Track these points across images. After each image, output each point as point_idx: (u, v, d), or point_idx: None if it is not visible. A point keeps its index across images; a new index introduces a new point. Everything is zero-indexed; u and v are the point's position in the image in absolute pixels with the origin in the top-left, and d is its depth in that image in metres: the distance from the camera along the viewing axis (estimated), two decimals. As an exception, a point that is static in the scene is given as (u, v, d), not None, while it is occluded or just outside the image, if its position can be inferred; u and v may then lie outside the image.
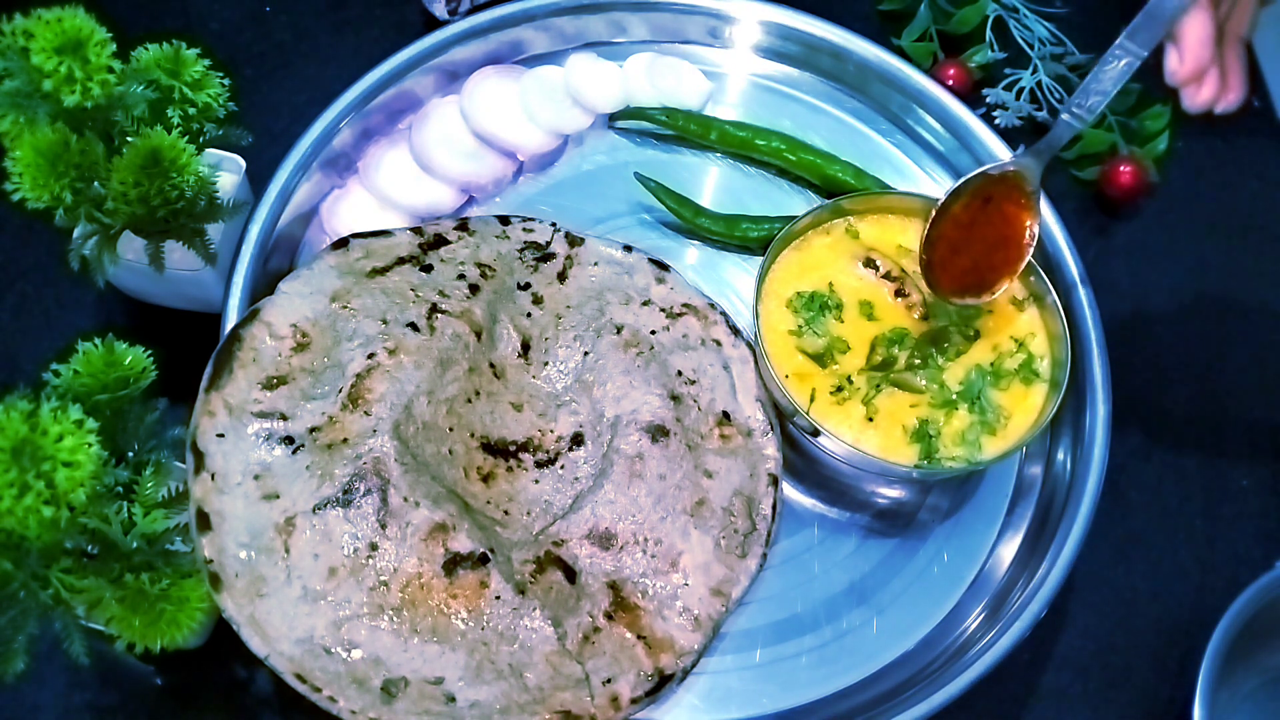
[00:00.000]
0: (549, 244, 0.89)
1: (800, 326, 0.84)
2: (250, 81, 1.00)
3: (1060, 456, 0.86)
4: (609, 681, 0.72)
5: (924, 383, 0.82)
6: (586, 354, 0.83)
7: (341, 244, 0.83)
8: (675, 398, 0.81)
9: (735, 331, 0.87)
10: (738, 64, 1.02)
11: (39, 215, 0.69)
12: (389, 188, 0.91)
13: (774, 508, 0.81)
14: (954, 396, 0.82)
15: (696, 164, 0.97)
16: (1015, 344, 0.84)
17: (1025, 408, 0.82)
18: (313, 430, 0.73)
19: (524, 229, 0.90)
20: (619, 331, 0.84)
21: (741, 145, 0.96)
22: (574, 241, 0.90)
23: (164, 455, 0.69)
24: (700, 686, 0.77)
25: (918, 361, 0.83)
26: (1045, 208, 0.89)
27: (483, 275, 0.84)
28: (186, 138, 0.71)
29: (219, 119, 0.75)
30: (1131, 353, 0.93)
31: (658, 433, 0.79)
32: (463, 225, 0.88)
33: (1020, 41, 1.07)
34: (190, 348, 0.77)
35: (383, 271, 0.82)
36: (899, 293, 0.85)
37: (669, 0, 1.00)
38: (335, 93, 0.91)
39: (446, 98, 0.96)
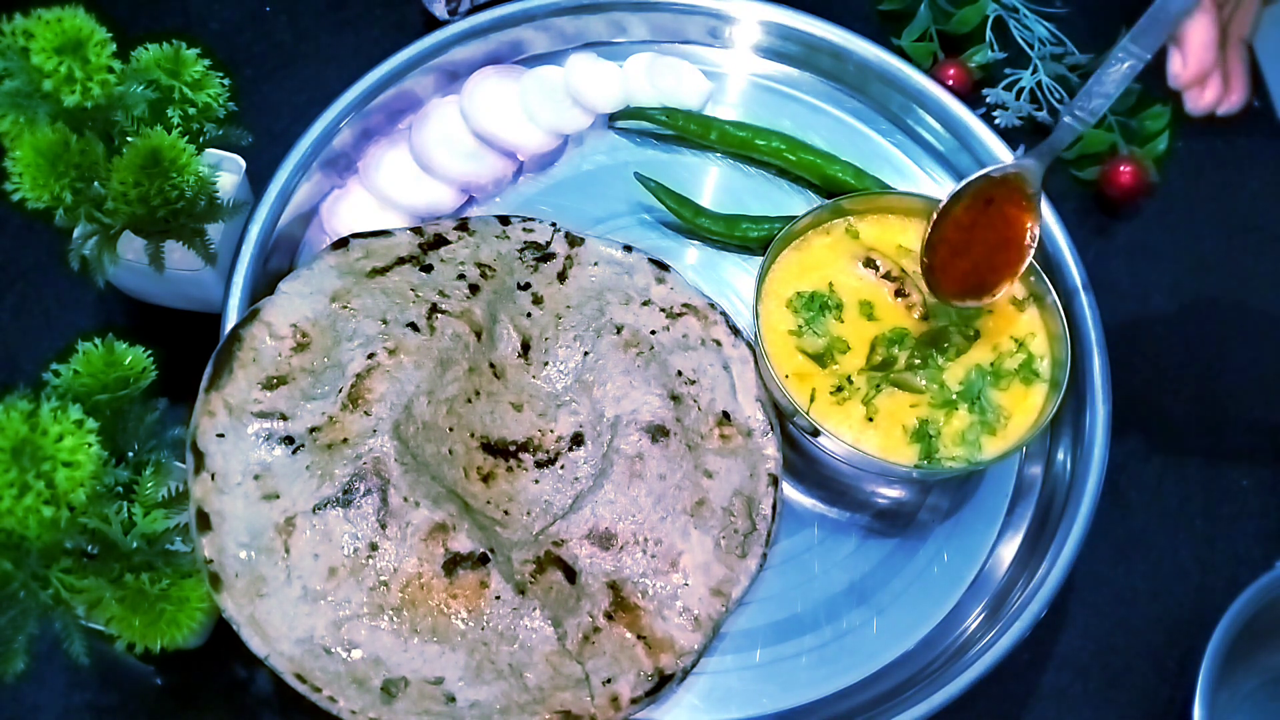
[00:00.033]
0: (549, 244, 0.89)
1: (800, 326, 0.84)
2: (250, 81, 1.00)
3: (1060, 456, 0.86)
4: (609, 681, 0.72)
5: (924, 383, 0.82)
6: (586, 354, 0.83)
7: (341, 244, 0.83)
8: (675, 398, 0.81)
9: (735, 331, 0.87)
10: (738, 64, 1.02)
11: (39, 215, 0.69)
12: (389, 188, 0.91)
13: (774, 508, 0.81)
14: (954, 396, 0.82)
15: (696, 164, 0.97)
16: (1015, 344, 0.84)
17: (1025, 408, 0.82)
18: (313, 430, 0.73)
19: (524, 229, 0.90)
20: (619, 331, 0.84)
21: (741, 145, 0.96)
22: (574, 241, 0.90)
23: (164, 455, 0.69)
24: (700, 686, 0.77)
25: (918, 361, 0.83)
26: (1046, 209, 0.89)
27: (483, 275, 0.84)
28: (186, 138, 0.71)
29: (219, 119, 0.75)
30: (1131, 353, 0.93)
31: (658, 433, 0.79)
32: (463, 225, 0.88)
33: (1020, 41, 1.07)
34: (190, 348, 0.77)
35: (383, 271, 0.82)
36: (899, 293, 0.85)
37: (669, 0, 1.00)
38: (335, 93, 0.91)
39: (446, 98, 0.96)
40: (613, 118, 0.98)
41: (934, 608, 0.82)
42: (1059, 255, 0.90)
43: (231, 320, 0.81)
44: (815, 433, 0.79)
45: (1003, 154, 0.95)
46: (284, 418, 0.74)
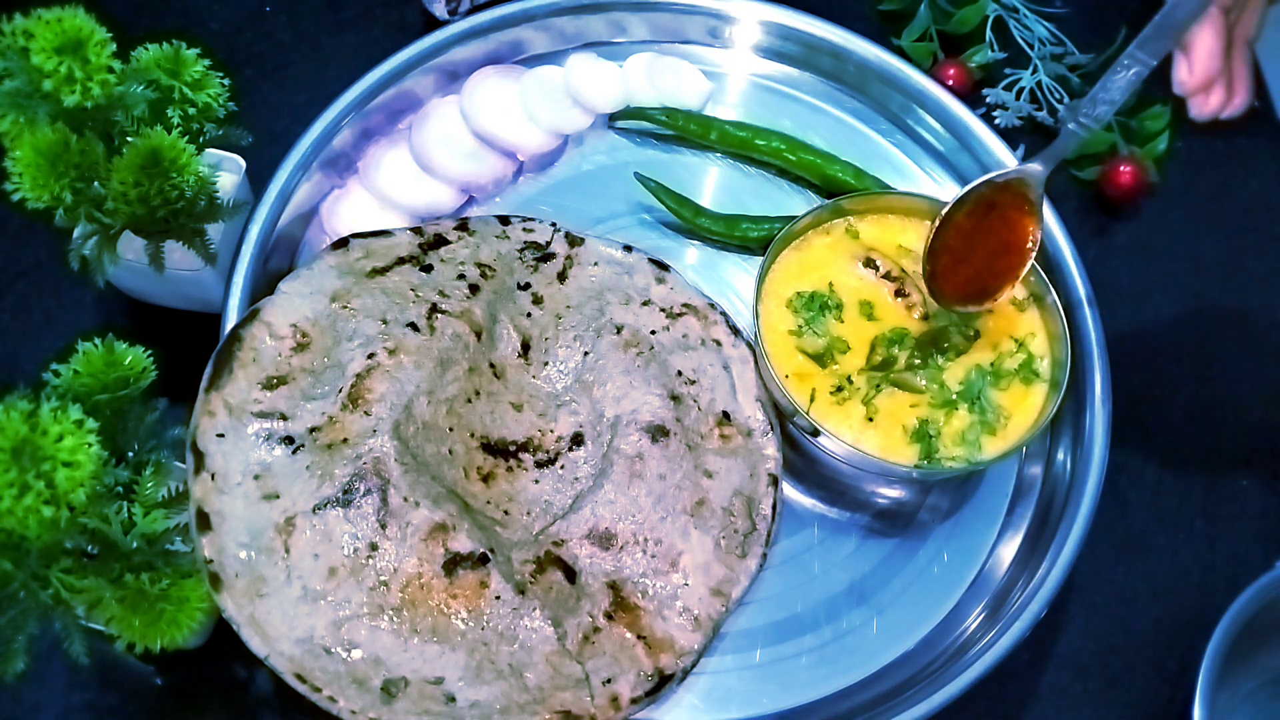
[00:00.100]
0: (549, 244, 0.89)
1: (800, 326, 0.84)
2: (250, 81, 1.00)
3: (1060, 456, 0.86)
4: (609, 681, 0.72)
5: (924, 383, 0.82)
6: (586, 354, 0.83)
7: (341, 244, 0.83)
8: (675, 398, 0.81)
9: (735, 331, 0.87)
10: (738, 64, 1.02)
11: (39, 215, 0.69)
12: (389, 188, 0.91)
13: (774, 508, 0.81)
14: (954, 396, 0.82)
15: (696, 164, 0.97)
16: (1015, 344, 0.84)
17: (1025, 408, 0.82)
18: (313, 430, 0.73)
19: (524, 229, 0.90)
20: (619, 331, 0.84)
21: (741, 145, 0.96)
22: (574, 241, 0.90)
23: (164, 455, 0.69)
24: (700, 686, 0.77)
25: (918, 361, 0.83)
26: (1048, 212, 0.89)
27: (483, 275, 0.84)
28: (186, 138, 0.71)
29: (219, 119, 0.75)
30: (1131, 352, 0.93)
31: (658, 433, 0.79)
32: (463, 225, 0.88)
33: (1020, 41, 1.07)
34: (190, 348, 0.77)
35: (383, 271, 0.82)
36: (899, 293, 0.85)
37: (669, 0, 1.00)
38: (335, 93, 0.91)
39: (446, 98, 0.96)
40: (613, 118, 0.98)
41: (934, 608, 0.82)
42: (1060, 258, 0.90)
43: (231, 320, 0.81)
44: (815, 433, 0.79)
45: (1003, 154, 0.95)
46: (284, 418, 0.74)
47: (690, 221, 0.93)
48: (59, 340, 0.70)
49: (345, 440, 0.73)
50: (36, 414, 0.57)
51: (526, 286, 0.87)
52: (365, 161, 0.93)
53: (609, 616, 0.74)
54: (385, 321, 0.78)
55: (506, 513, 0.77)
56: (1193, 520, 0.91)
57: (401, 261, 0.84)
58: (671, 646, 0.74)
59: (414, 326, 0.78)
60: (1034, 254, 0.83)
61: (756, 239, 0.92)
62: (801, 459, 0.86)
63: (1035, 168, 0.81)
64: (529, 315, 0.85)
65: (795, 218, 0.86)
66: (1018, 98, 1.05)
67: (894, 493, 0.86)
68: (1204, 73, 0.72)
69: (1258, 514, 0.91)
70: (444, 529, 0.71)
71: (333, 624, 0.68)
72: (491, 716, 0.68)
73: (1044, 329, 0.85)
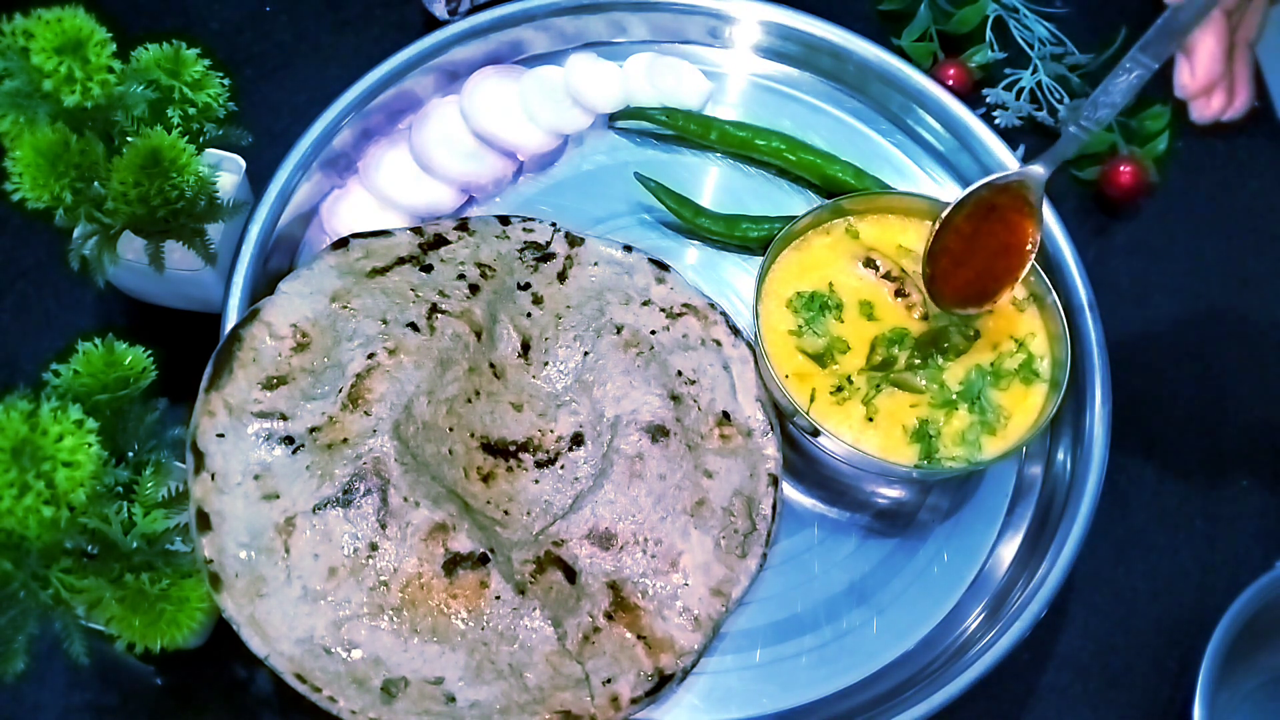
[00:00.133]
0: (549, 244, 0.89)
1: (800, 326, 0.84)
2: (250, 81, 1.00)
3: (1060, 456, 0.86)
4: (609, 681, 0.72)
5: (924, 383, 0.82)
6: (586, 354, 0.83)
7: (341, 244, 0.83)
8: (675, 398, 0.81)
9: (735, 331, 0.87)
10: (738, 64, 1.02)
11: (39, 215, 0.69)
12: (389, 188, 0.91)
13: (774, 508, 0.81)
14: (954, 396, 0.82)
15: (696, 164, 0.97)
16: (1015, 344, 0.84)
17: (1025, 408, 0.82)
18: (313, 430, 0.73)
19: (524, 229, 0.90)
20: (619, 331, 0.84)
21: (741, 145, 0.96)
22: (574, 241, 0.90)
23: (164, 455, 0.69)
24: (700, 686, 0.77)
25: (918, 361, 0.83)
26: (1049, 214, 0.89)
27: (483, 275, 0.84)
28: (186, 138, 0.71)
29: (219, 119, 0.75)
30: (1131, 352, 0.93)
31: (658, 433, 0.79)
32: (463, 225, 0.88)
33: (1020, 41, 1.07)
34: (190, 348, 0.77)
35: (383, 271, 0.82)
36: (899, 293, 0.85)
37: (669, 0, 1.00)
38: (335, 93, 0.91)
39: (446, 98, 0.96)
40: (613, 118, 0.98)
41: (934, 608, 0.82)
42: (1060, 258, 0.90)
43: (231, 320, 0.81)
44: (815, 433, 0.79)
45: (1003, 154, 0.95)
46: (284, 418, 0.74)
47: (690, 221, 0.93)
48: (59, 340, 0.70)
49: (345, 440, 0.73)
50: (36, 414, 0.57)
51: (526, 286, 0.87)
52: (365, 161, 0.93)
53: (609, 616, 0.74)
54: (385, 321, 0.78)
55: (506, 513, 0.77)
56: (1193, 520, 0.91)
57: (401, 261, 0.84)
58: (671, 646, 0.74)
59: (414, 326, 0.78)
60: (1033, 256, 0.83)
61: (756, 239, 0.92)
62: (801, 459, 0.86)
63: (1036, 170, 0.81)
64: (529, 315, 0.85)
65: (795, 218, 0.86)
66: (1018, 98, 1.05)
67: (894, 493, 0.86)
68: (1206, 76, 0.72)
69: (1258, 514, 0.91)
70: (444, 529, 0.71)
71: (333, 624, 0.68)
72: (491, 716, 0.68)
73: (1044, 329, 0.85)
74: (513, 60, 0.99)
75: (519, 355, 0.83)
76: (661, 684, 0.73)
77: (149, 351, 0.68)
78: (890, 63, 0.98)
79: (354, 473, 0.71)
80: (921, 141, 1.00)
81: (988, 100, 1.05)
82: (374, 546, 0.70)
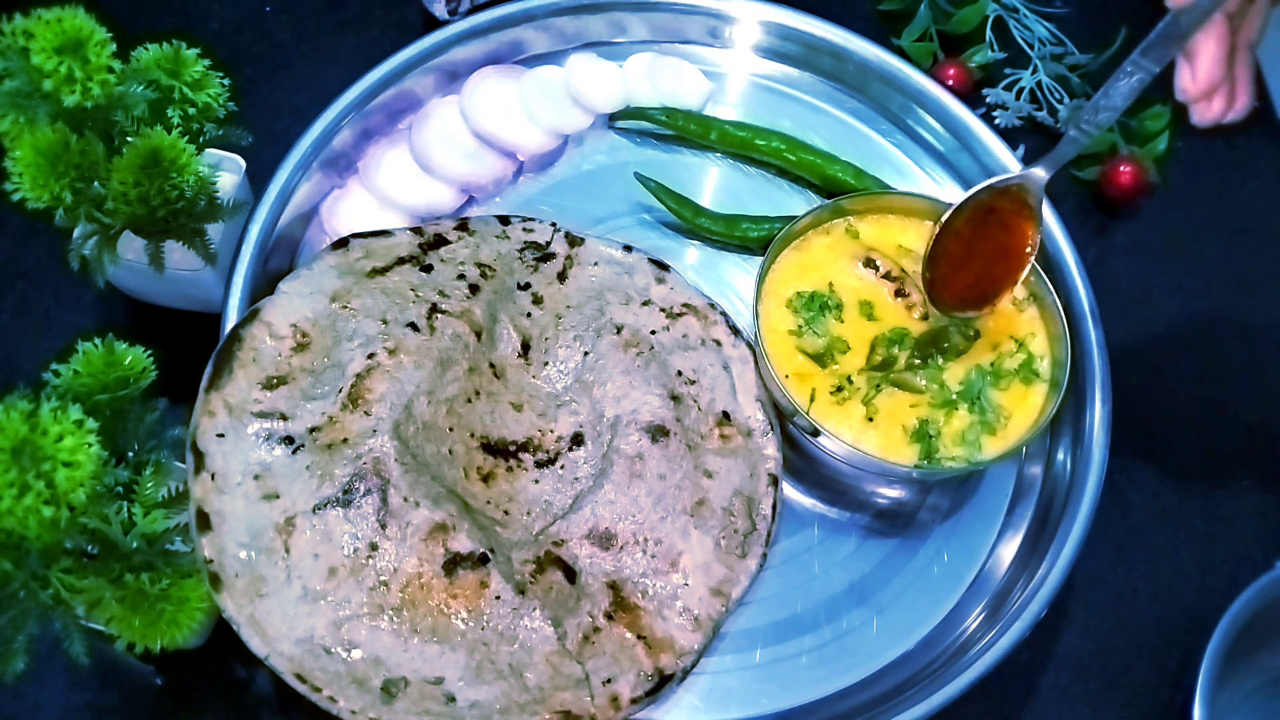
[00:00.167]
0: (549, 244, 0.89)
1: (800, 326, 0.84)
2: (250, 81, 1.00)
3: (1060, 456, 0.86)
4: (609, 681, 0.72)
5: (924, 383, 0.82)
6: (586, 354, 0.83)
7: (341, 244, 0.83)
8: (675, 398, 0.81)
9: (735, 331, 0.87)
10: (738, 64, 1.02)
11: (39, 215, 0.69)
12: (389, 188, 0.91)
13: (774, 508, 0.81)
14: (954, 396, 0.82)
15: (696, 164, 0.97)
16: (1015, 344, 0.84)
17: (1025, 408, 0.82)
18: (313, 430, 0.73)
19: (524, 229, 0.90)
20: (619, 331, 0.84)
21: (741, 145, 0.96)
22: (574, 241, 0.90)
23: (164, 455, 0.69)
24: (700, 686, 0.77)
25: (918, 361, 0.83)
26: (1049, 215, 0.89)
27: (483, 275, 0.84)
28: (186, 138, 0.71)
29: (219, 119, 0.75)
30: (1131, 352, 0.93)
31: (658, 433, 0.79)
32: (463, 225, 0.88)
33: (1020, 41, 1.07)
34: (190, 348, 0.77)
35: (383, 271, 0.82)
36: (899, 293, 0.85)
37: (669, 0, 1.00)
38: (335, 93, 0.91)
39: (446, 98, 0.96)
40: (613, 118, 0.98)
41: (934, 608, 0.82)
42: (1060, 258, 0.90)
43: (231, 320, 0.81)
44: (815, 433, 0.79)
45: (1003, 154, 0.95)
46: (284, 418, 0.74)
47: (690, 221, 0.93)
48: (59, 340, 0.70)
49: (345, 440, 0.73)
50: (36, 414, 0.57)
51: (526, 286, 0.87)
52: (365, 161, 0.93)
53: (609, 616, 0.74)
54: (385, 321, 0.78)
55: (506, 513, 0.77)
56: (1193, 520, 0.91)
57: (401, 261, 0.84)
58: (671, 646, 0.74)
59: (414, 326, 0.78)
60: (1033, 258, 0.83)
61: (756, 239, 0.92)
62: (801, 459, 0.86)
63: (1036, 173, 0.81)
64: (529, 315, 0.85)
65: (795, 218, 0.86)
66: (1018, 98, 1.05)
67: (894, 493, 0.86)
68: (1207, 80, 0.72)
69: (1258, 514, 0.91)
70: (444, 529, 0.71)
71: (333, 624, 0.68)
72: (491, 716, 0.68)
73: (1044, 329, 0.85)
74: (513, 60, 0.99)
75: (519, 355, 0.83)
76: (661, 684, 0.73)
77: (149, 351, 0.68)
78: (890, 63, 0.98)
79: (354, 473, 0.71)
80: (921, 141, 1.00)
81: (988, 100, 1.05)
82: (374, 546, 0.70)
